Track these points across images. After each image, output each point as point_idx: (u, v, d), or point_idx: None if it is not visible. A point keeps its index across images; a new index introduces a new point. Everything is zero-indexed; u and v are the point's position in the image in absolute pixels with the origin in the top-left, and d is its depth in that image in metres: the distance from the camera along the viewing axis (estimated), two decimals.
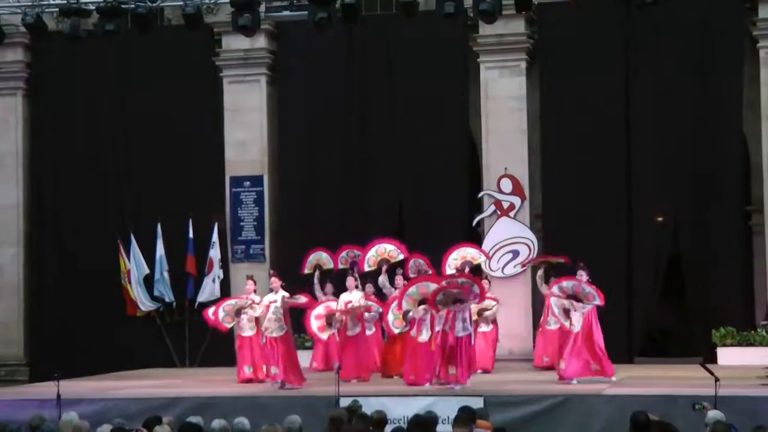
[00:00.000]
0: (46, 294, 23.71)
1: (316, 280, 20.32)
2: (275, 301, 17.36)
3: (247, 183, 23.59)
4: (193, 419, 10.89)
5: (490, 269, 21.80)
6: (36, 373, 22.86)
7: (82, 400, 16.10)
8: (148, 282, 23.18)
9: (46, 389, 16.28)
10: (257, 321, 18.32)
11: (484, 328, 20.01)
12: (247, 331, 18.70)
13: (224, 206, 23.71)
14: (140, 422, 11.33)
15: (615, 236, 21.80)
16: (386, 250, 19.97)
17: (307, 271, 20.65)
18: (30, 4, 19.63)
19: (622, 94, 22.11)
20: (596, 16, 21.94)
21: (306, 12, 18.73)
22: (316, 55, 23.20)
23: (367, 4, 21.14)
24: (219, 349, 21.89)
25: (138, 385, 18.28)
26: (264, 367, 17.96)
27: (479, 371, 19.40)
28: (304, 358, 21.71)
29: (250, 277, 19.13)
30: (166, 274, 23.05)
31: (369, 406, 13.37)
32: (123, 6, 19.01)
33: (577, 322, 17.00)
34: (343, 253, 20.75)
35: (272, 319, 17.32)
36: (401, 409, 14.93)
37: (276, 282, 17.62)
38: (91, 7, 19.17)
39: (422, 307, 17.08)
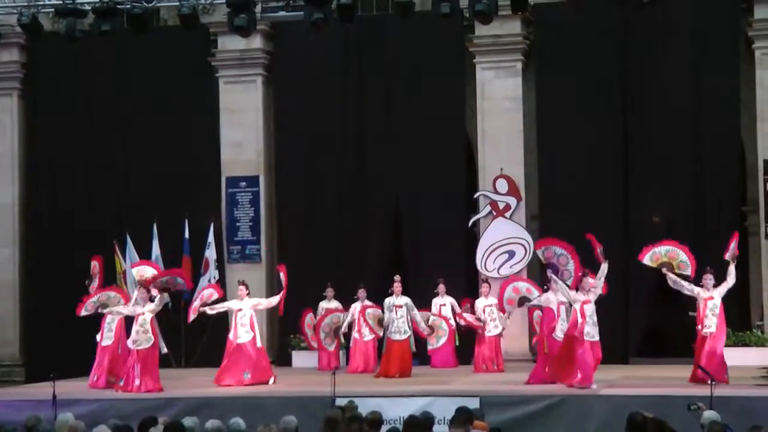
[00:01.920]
0: (41, 294, 23.61)
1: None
2: (143, 314, 18.01)
3: (243, 183, 23.65)
4: (188, 420, 10.91)
5: (486, 270, 21.94)
6: (32, 373, 22.86)
7: (78, 400, 16.36)
8: None
9: (42, 390, 16.64)
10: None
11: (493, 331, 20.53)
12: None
13: (220, 206, 23.78)
14: (136, 423, 11.35)
15: (611, 237, 21.32)
16: None
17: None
18: (26, 4, 19.58)
19: (618, 94, 22.17)
20: (592, 17, 21.89)
21: (302, 12, 18.67)
22: (313, 56, 23.25)
23: (363, 4, 21.27)
24: (215, 349, 21.82)
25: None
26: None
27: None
28: (304, 359, 22.21)
29: (242, 282, 19.38)
30: None
31: (365, 407, 13.50)
32: (119, 6, 18.96)
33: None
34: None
35: (140, 331, 17.96)
36: (397, 409, 15.06)
37: (145, 294, 18.48)
38: (87, 7, 19.09)
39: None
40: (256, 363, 18.68)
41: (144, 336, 17.90)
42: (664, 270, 17.22)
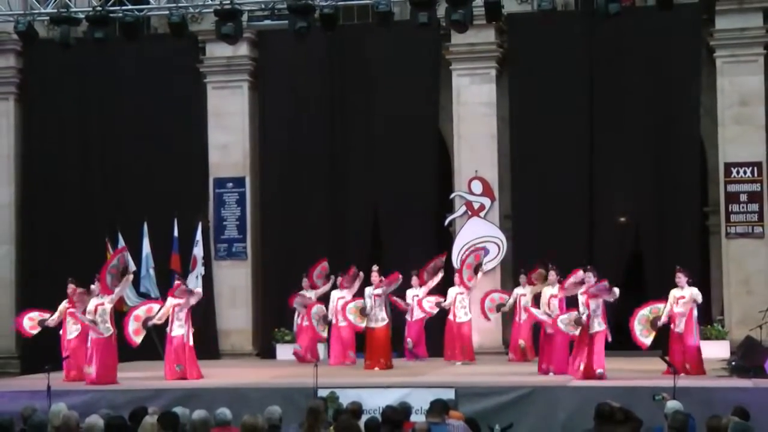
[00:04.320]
0: (36, 290, 23.62)
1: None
2: (102, 304, 18.09)
3: (230, 184, 23.98)
4: (177, 410, 10.99)
5: None
6: (27, 365, 23.06)
7: (70, 391, 16.42)
8: (135, 279, 22.45)
9: (37, 381, 16.58)
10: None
11: (463, 318, 20.87)
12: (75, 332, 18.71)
13: (208, 206, 24.07)
14: (127, 412, 11.58)
15: (580, 235, 22.23)
16: None
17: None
18: (22, 12, 19.92)
19: (586, 100, 22.59)
20: (563, 27, 22.33)
21: (286, 21, 18.96)
22: (296, 63, 23.54)
23: (344, 14, 21.41)
24: (201, 342, 22.04)
25: (125, 377, 18.39)
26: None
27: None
28: (288, 352, 22.28)
29: (178, 278, 19.62)
30: (152, 271, 23.04)
31: (346, 397, 14.07)
32: (111, 15, 19.23)
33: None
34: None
35: (99, 321, 18.00)
36: (377, 400, 15.21)
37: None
38: (81, 15, 19.40)
39: None
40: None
41: (103, 326, 17.98)
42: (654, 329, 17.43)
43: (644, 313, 17.56)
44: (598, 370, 16.77)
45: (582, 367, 16.91)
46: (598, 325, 17.02)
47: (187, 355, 18.55)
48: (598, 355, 16.91)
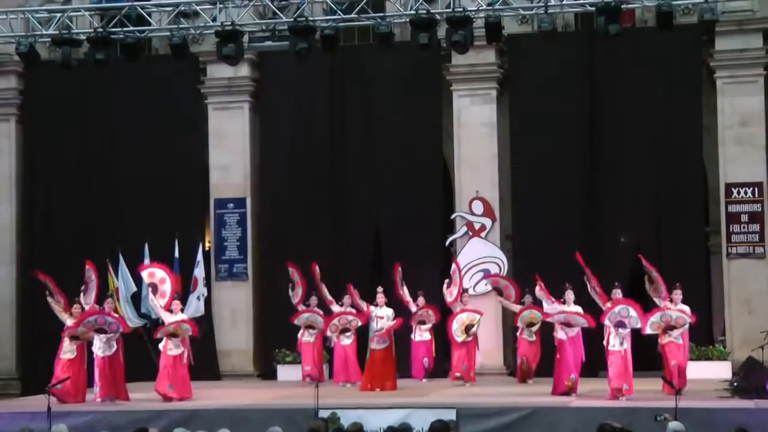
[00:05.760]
0: (37, 311, 23.06)
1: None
2: None
3: (231, 205, 24.08)
4: (179, 431, 11.19)
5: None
6: (27, 386, 23.19)
7: (71, 412, 16.49)
8: (136, 300, 22.87)
9: (37, 402, 16.61)
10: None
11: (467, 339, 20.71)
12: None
13: (209, 227, 24.17)
14: None
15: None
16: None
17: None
18: (23, 34, 20.03)
19: (587, 120, 22.72)
20: (563, 47, 22.29)
21: (287, 42, 19.12)
22: (297, 84, 23.70)
23: (345, 34, 21.54)
24: (203, 363, 22.00)
25: None
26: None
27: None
28: (289, 373, 22.45)
29: (177, 298, 19.50)
30: None
31: (347, 418, 14.05)
32: (112, 36, 19.36)
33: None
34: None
35: (103, 339, 18.23)
36: (378, 420, 15.27)
37: (111, 304, 18.61)
38: (82, 37, 19.55)
39: None
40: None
41: (106, 344, 18.20)
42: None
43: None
44: (624, 386, 17.07)
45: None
46: (620, 344, 17.30)
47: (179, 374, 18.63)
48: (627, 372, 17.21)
